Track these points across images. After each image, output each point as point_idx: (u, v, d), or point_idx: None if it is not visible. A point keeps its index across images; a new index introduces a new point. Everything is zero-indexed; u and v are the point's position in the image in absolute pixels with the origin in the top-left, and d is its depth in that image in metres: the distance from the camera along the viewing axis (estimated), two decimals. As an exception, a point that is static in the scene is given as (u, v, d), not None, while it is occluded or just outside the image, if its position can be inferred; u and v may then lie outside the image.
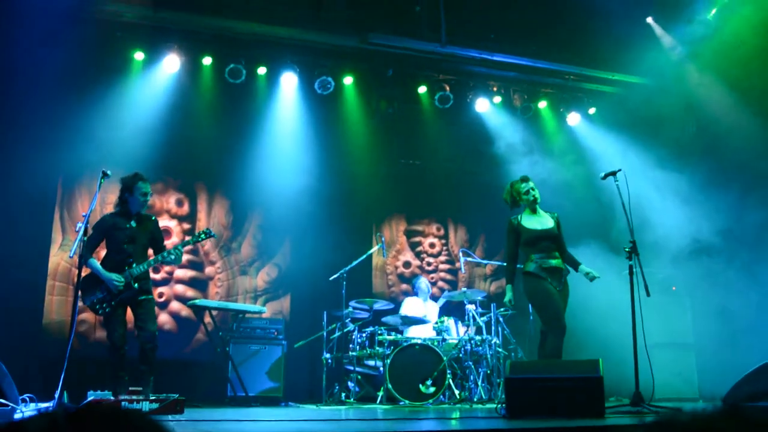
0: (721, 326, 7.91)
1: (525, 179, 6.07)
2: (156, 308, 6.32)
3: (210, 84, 8.85)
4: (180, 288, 8.84)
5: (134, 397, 4.99)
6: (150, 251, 6.22)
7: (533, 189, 6.00)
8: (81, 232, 5.36)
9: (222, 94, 8.93)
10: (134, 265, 5.96)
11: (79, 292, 5.82)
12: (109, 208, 8.51)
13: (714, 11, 8.30)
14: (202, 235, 6.43)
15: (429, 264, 10.23)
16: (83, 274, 5.83)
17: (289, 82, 9.10)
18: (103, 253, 6.16)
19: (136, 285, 5.95)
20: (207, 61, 8.67)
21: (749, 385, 5.15)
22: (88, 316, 8.20)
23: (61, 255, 8.23)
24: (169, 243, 8.01)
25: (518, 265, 6.03)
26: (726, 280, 8.03)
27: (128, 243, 6.00)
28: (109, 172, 5.70)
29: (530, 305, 6.00)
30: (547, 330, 5.70)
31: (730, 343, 7.60)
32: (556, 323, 5.65)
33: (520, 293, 6.03)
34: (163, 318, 8.65)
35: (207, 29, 8.45)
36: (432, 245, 10.33)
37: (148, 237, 6.18)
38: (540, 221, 5.94)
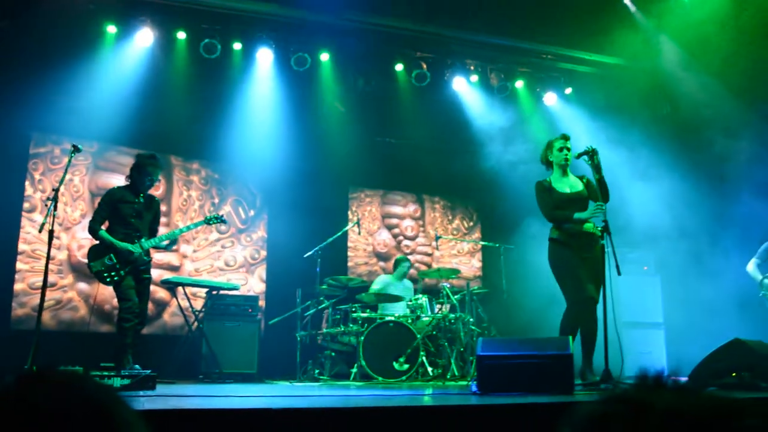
0: (690, 306, 8.04)
1: (565, 137, 5.76)
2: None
3: (184, 59, 8.70)
4: (156, 273, 8.72)
5: (105, 373, 4.96)
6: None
7: (568, 150, 5.70)
8: (51, 207, 5.30)
9: (197, 69, 8.78)
10: (143, 239, 6.00)
11: (90, 262, 5.96)
12: (77, 181, 8.43)
13: (690, -9, 8.33)
14: (214, 220, 6.65)
15: (407, 246, 10.24)
16: (91, 244, 6.03)
17: (265, 58, 9.00)
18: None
19: (146, 258, 6.05)
20: (181, 35, 8.52)
21: (714, 363, 5.27)
22: (59, 292, 8.12)
23: (31, 229, 8.11)
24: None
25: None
26: (697, 260, 8.15)
27: (135, 217, 6.07)
28: (80, 147, 5.66)
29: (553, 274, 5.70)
30: (567, 302, 5.45)
31: (698, 323, 7.73)
32: (574, 295, 5.39)
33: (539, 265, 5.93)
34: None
35: (181, 3, 8.30)
36: (409, 228, 10.35)
37: (153, 215, 6.27)
38: (570, 184, 5.71)
